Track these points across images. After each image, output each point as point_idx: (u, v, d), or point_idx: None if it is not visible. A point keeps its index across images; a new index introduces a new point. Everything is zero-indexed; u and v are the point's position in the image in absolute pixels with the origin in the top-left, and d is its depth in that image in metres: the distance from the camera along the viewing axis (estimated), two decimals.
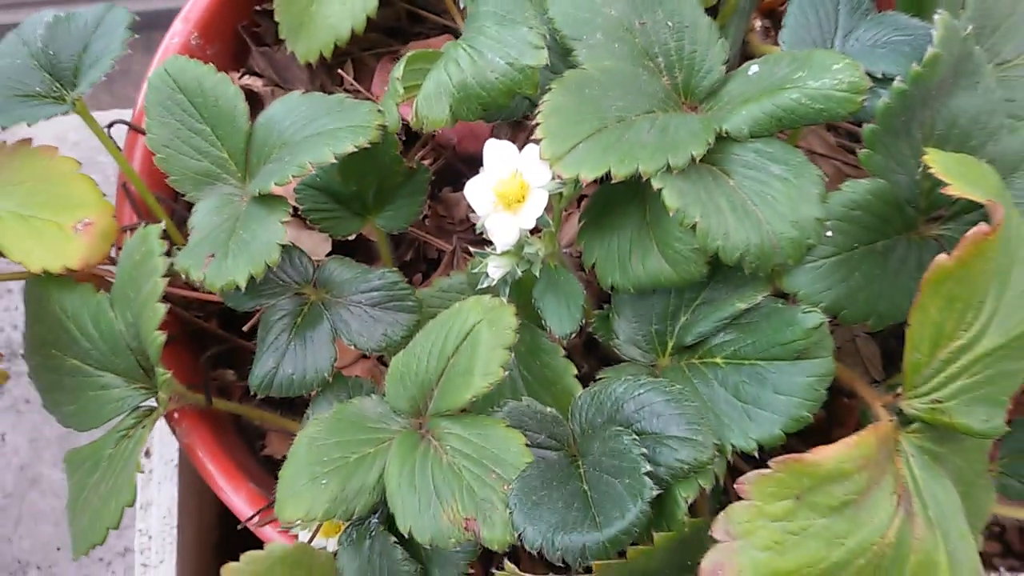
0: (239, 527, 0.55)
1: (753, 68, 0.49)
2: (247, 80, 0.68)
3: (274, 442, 0.62)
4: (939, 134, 0.47)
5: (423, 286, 0.59)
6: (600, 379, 0.46)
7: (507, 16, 0.47)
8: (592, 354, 0.52)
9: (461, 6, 0.57)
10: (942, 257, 0.38)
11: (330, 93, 0.66)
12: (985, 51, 0.57)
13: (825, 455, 0.38)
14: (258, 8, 0.70)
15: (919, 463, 0.41)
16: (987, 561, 0.77)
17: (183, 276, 0.50)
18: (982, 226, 0.38)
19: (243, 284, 0.47)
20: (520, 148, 0.45)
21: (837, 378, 0.47)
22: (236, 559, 0.48)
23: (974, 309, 0.40)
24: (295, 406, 0.56)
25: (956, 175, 0.40)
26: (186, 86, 0.54)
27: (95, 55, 0.56)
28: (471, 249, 0.52)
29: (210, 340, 0.62)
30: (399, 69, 0.50)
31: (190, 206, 0.54)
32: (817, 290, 0.45)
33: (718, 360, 0.45)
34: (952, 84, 0.46)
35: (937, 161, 0.41)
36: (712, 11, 0.57)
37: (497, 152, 0.46)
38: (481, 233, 0.46)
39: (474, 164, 0.47)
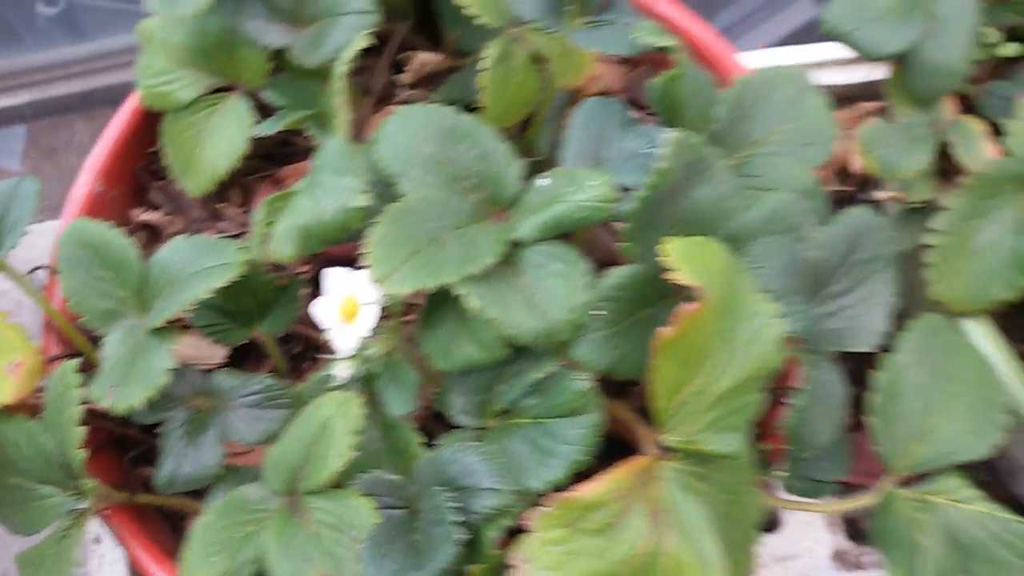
0: None
1: (543, 181, 0.60)
2: (147, 215, 0.79)
3: (192, 524, 0.73)
4: (685, 221, 0.58)
5: (309, 376, 0.70)
6: (436, 446, 0.58)
7: (338, 168, 0.58)
8: (442, 423, 0.64)
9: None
10: (665, 330, 0.50)
11: (219, 217, 0.79)
12: (743, 133, 0.70)
13: (586, 491, 0.49)
14: (151, 151, 0.81)
15: (676, 486, 0.52)
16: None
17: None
18: (691, 305, 0.50)
19: (140, 406, 0.59)
20: None
21: (622, 422, 0.59)
22: None
23: (704, 362, 0.52)
24: (206, 491, 0.67)
25: (685, 261, 0.52)
26: (88, 242, 0.65)
27: (12, 222, 0.68)
28: (319, 356, 0.64)
29: (132, 443, 0.73)
30: (260, 212, 0.62)
31: None
32: (595, 357, 0.56)
33: (524, 420, 0.57)
34: (690, 181, 0.57)
35: (672, 250, 0.53)
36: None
37: (334, 278, 0.57)
38: None
39: (348, 262, 0.59)
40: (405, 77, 0.77)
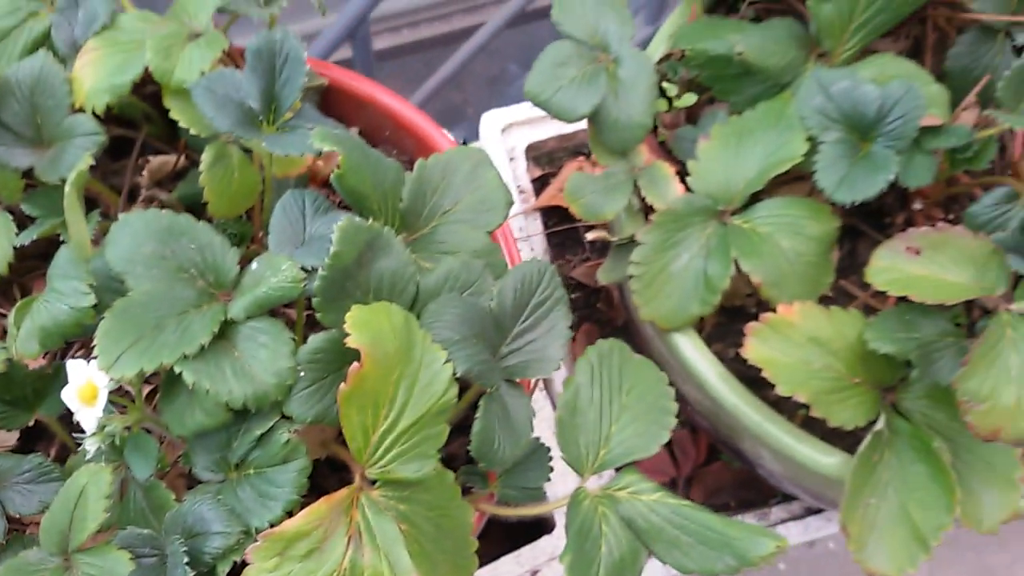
0: None
1: (255, 265, 0.72)
2: None
3: None
4: (375, 289, 0.69)
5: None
6: (182, 501, 0.69)
7: (67, 274, 0.69)
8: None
9: None
10: (342, 387, 0.62)
11: (3, 314, 0.88)
12: (431, 207, 0.82)
13: (288, 524, 0.61)
14: None
15: (372, 510, 0.64)
16: None
17: None
18: (356, 365, 0.62)
19: None
20: None
21: (339, 460, 0.71)
22: None
23: (384, 406, 0.63)
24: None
25: (356, 326, 0.63)
26: None
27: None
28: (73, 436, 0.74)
29: None
30: (11, 317, 0.72)
31: None
32: (303, 411, 0.66)
33: (251, 471, 0.68)
34: (371, 256, 0.68)
35: (350, 317, 0.64)
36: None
37: (74, 368, 0.68)
38: None
39: None
40: (144, 179, 0.88)
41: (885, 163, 0.84)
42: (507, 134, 1.28)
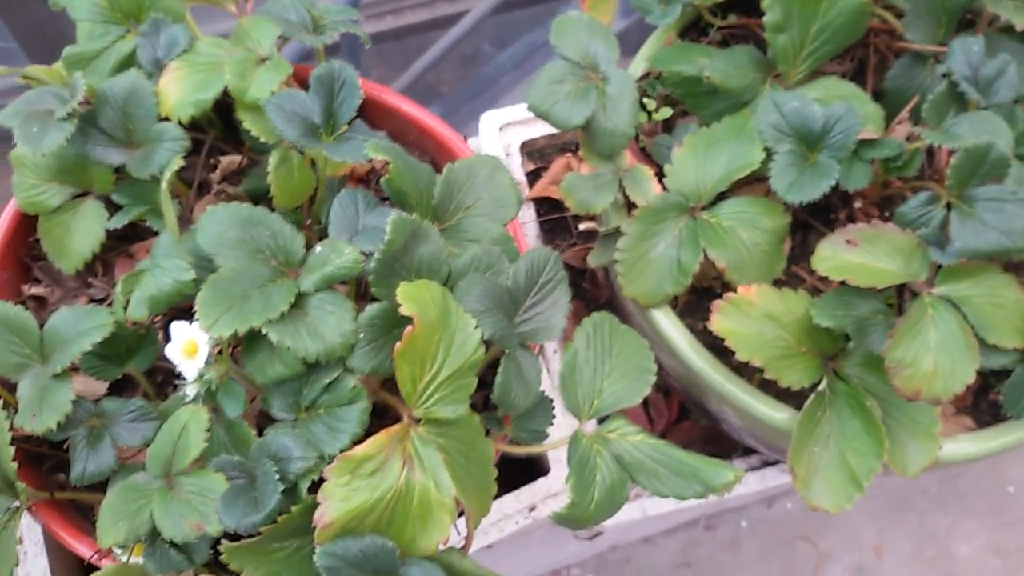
0: (86, 564, 0.92)
1: (319, 249, 0.87)
2: (33, 289, 1.05)
3: (99, 508, 0.99)
4: (414, 270, 0.84)
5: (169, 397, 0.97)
6: (264, 433, 0.85)
7: (169, 254, 0.84)
8: (268, 418, 0.90)
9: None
10: (397, 345, 0.78)
11: (88, 285, 1.05)
12: (456, 203, 0.98)
13: (357, 450, 0.75)
14: (31, 239, 1.07)
15: (419, 441, 0.79)
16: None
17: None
18: (410, 327, 0.78)
19: (53, 428, 0.84)
20: None
21: (392, 402, 0.88)
22: None
23: (429, 361, 0.79)
24: (107, 483, 0.92)
25: (407, 297, 0.79)
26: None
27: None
28: (175, 383, 0.91)
29: (45, 458, 0.98)
30: (119, 287, 0.88)
31: None
32: (362, 364, 0.80)
33: (321, 410, 0.83)
34: (414, 243, 0.84)
35: (400, 291, 0.81)
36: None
37: (177, 328, 0.84)
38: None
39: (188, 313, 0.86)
40: (216, 175, 1.05)
41: (828, 170, 1.00)
42: (504, 132, 1.44)
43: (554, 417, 0.96)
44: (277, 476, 0.78)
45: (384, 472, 0.78)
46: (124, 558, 0.86)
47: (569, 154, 1.49)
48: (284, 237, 0.86)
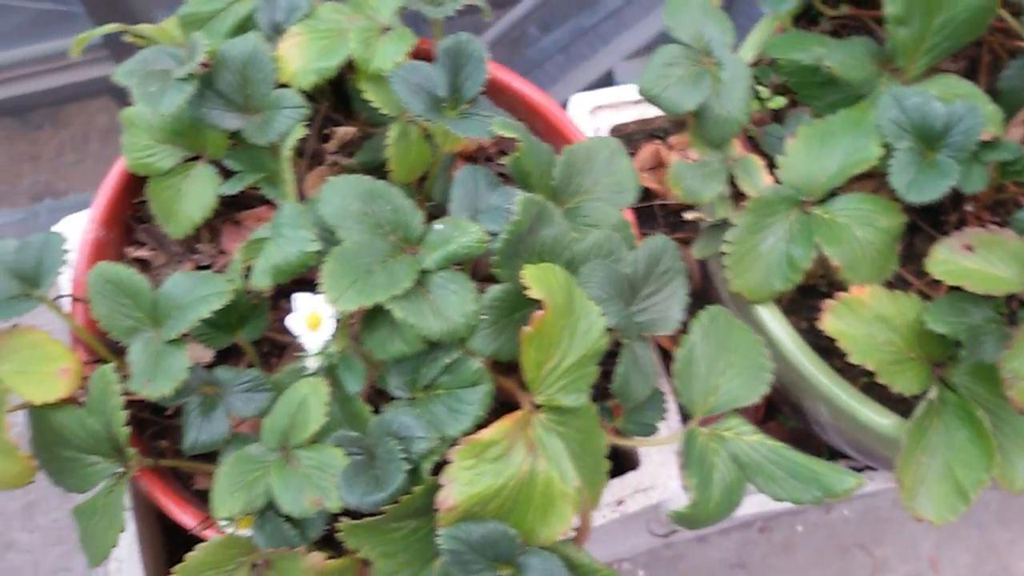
0: (188, 533, 0.91)
1: (439, 227, 0.84)
2: (138, 252, 1.04)
3: (199, 480, 0.97)
4: (537, 252, 0.81)
5: (278, 368, 0.96)
6: (381, 411, 0.84)
7: (294, 224, 0.83)
8: (381, 396, 0.89)
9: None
10: (526, 328, 0.77)
11: (194, 251, 1.03)
12: (575, 186, 0.97)
13: (483, 434, 0.75)
14: (136, 201, 1.06)
15: (543, 429, 0.78)
16: None
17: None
18: (539, 311, 0.77)
19: (170, 395, 0.83)
20: None
21: (509, 389, 0.87)
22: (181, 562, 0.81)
23: (554, 348, 0.78)
24: (210, 456, 0.91)
25: (534, 280, 0.77)
26: (111, 279, 0.88)
27: (47, 266, 0.91)
28: (284, 354, 0.90)
29: (148, 423, 0.97)
30: (237, 254, 0.87)
31: None
32: (483, 347, 0.80)
33: (441, 391, 0.81)
34: (538, 225, 0.82)
35: (527, 273, 0.79)
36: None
37: (301, 300, 0.83)
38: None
39: (304, 285, 0.84)
40: (331, 145, 1.03)
41: (948, 171, 0.98)
42: (595, 115, 1.42)
43: (666, 411, 0.94)
44: (402, 455, 0.77)
45: (508, 458, 0.76)
46: (230, 530, 0.85)
47: (658, 141, 1.47)
48: (405, 212, 0.84)
